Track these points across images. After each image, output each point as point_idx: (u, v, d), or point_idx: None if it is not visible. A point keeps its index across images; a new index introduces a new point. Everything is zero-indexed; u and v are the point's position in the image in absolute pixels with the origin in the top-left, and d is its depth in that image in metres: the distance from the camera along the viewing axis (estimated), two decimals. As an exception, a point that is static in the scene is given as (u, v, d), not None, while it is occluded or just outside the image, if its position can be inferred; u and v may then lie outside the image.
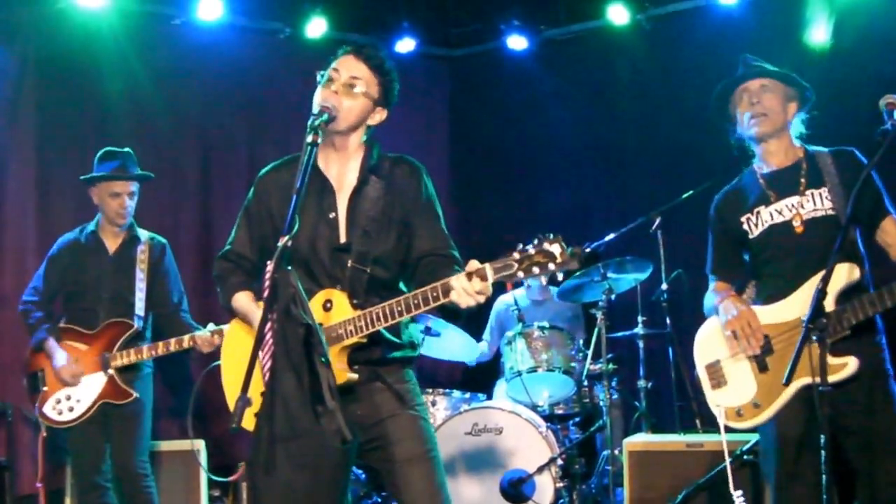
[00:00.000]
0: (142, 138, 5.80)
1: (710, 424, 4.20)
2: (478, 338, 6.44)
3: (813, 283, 3.27)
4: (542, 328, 5.66)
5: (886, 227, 3.42)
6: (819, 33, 5.85)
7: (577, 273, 5.51)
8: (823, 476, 2.95)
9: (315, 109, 2.94)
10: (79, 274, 4.87)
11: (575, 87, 7.00)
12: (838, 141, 3.55)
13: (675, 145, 6.43)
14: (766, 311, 3.44)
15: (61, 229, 5.12)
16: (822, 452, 2.94)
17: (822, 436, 2.94)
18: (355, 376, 2.92)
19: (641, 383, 5.61)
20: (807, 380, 3.17)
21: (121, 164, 4.88)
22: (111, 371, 4.73)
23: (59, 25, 6.02)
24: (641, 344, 5.66)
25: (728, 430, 3.51)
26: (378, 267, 2.99)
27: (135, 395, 4.72)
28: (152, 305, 4.93)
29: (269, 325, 2.79)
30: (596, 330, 5.53)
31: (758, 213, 3.51)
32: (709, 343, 3.59)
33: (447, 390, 5.80)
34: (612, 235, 5.55)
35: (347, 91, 2.99)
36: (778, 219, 3.46)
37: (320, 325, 2.86)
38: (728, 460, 3.72)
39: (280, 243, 2.72)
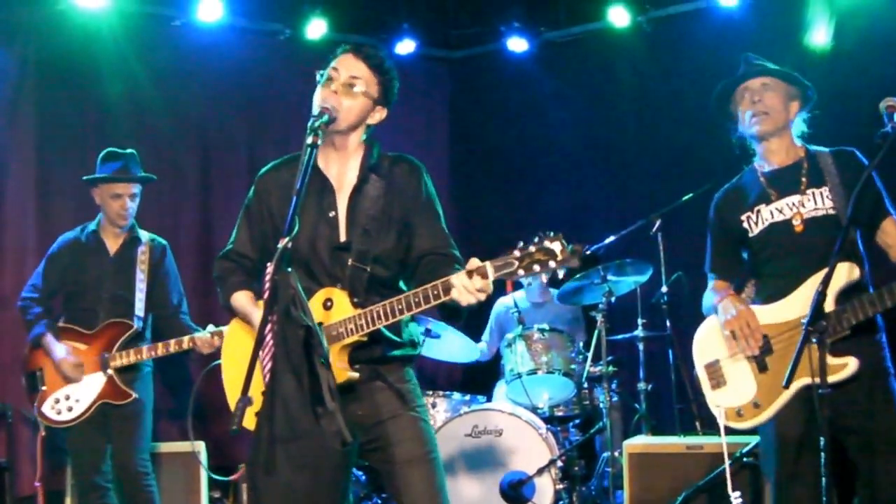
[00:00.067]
0: (142, 139, 5.80)
1: (710, 426, 4.21)
2: (477, 340, 6.44)
3: (813, 282, 3.27)
4: (542, 330, 5.66)
5: (887, 227, 3.42)
6: (819, 35, 5.85)
7: (577, 275, 5.51)
8: (823, 479, 2.95)
9: (315, 110, 2.94)
10: (79, 273, 4.87)
11: (575, 89, 7.00)
12: (838, 143, 3.55)
13: (675, 147, 6.43)
14: (765, 311, 3.44)
15: (61, 230, 5.12)
16: (822, 454, 2.94)
17: (822, 438, 2.94)
18: (356, 375, 2.92)
19: (641, 385, 5.61)
20: (807, 380, 3.17)
21: (123, 166, 4.88)
22: (110, 371, 4.72)
23: (60, 26, 6.02)
24: (641, 346, 5.65)
25: (728, 430, 3.51)
26: (378, 266, 2.99)
27: (134, 395, 4.71)
28: (152, 307, 4.92)
29: (269, 326, 2.79)
30: (596, 332, 5.53)
31: (758, 211, 3.50)
32: (708, 342, 3.59)
33: (447, 392, 5.81)
34: (612, 238, 5.55)
35: (347, 91, 2.99)
36: (778, 217, 3.46)
37: (320, 324, 2.86)
38: (728, 462, 3.72)
39: (280, 245, 2.72)
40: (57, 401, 4.73)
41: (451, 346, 6.16)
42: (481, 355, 6.46)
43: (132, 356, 4.73)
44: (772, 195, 3.49)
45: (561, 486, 5.17)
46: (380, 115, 3.08)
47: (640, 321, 5.69)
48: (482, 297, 2.71)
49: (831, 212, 3.39)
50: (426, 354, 6.01)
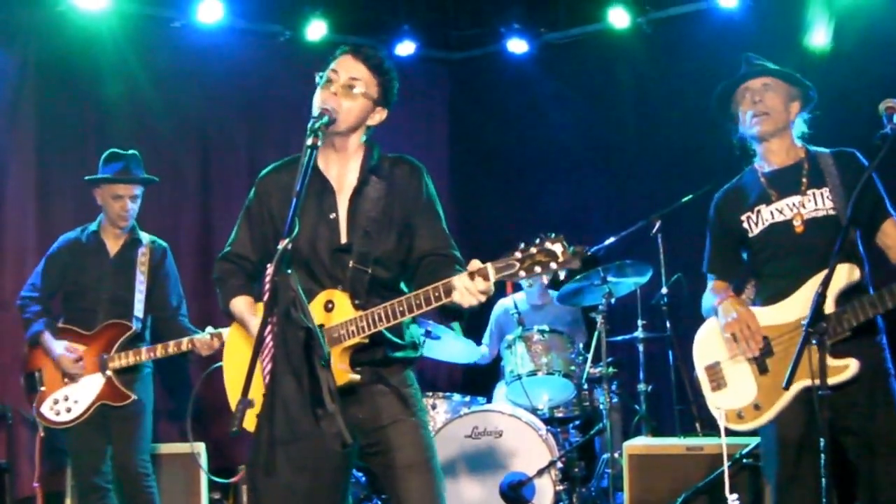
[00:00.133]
0: (142, 140, 5.79)
1: (710, 428, 4.21)
2: (477, 342, 6.44)
3: (813, 283, 3.27)
4: (541, 332, 5.66)
5: (887, 229, 3.41)
6: (819, 36, 5.85)
7: (577, 277, 5.51)
8: (823, 479, 2.95)
9: (315, 111, 2.94)
10: (78, 274, 4.86)
11: (575, 91, 7.00)
12: (838, 144, 3.55)
13: (675, 148, 6.43)
14: (765, 313, 3.43)
15: (61, 230, 5.12)
16: (822, 456, 2.94)
17: (822, 439, 2.94)
18: (357, 377, 2.92)
19: (641, 387, 5.61)
20: (807, 382, 3.16)
21: (124, 167, 4.88)
22: (109, 372, 4.72)
23: (60, 28, 6.02)
24: (641, 347, 5.66)
25: (729, 432, 3.51)
26: (379, 267, 2.99)
27: (133, 397, 4.71)
28: (151, 308, 4.92)
29: (269, 327, 2.79)
30: (596, 333, 5.52)
31: (758, 211, 3.50)
32: (708, 344, 3.58)
33: (447, 394, 5.81)
34: (611, 239, 5.55)
35: (347, 92, 2.98)
36: (779, 218, 3.46)
37: (321, 326, 2.86)
38: (727, 464, 3.72)
39: (280, 246, 2.72)
40: (56, 401, 4.72)
41: (451, 348, 6.16)
42: (481, 358, 6.46)
43: (131, 357, 4.72)
44: (772, 195, 3.49)
45: (561, 488, 5.17)
46: (380, 116, 3.07)
47: (640, 322, 5.70)
48: (483, 298, 2.71)
49: (832, 212, 3.39)
50: (426, 355, 6.02)
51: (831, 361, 3.13)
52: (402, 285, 3.08)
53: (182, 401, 5.93)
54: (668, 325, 5.64)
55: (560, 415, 5.66)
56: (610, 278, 5.52)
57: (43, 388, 4.74)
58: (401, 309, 2.80)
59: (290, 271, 2.78)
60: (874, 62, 5.65)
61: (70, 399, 4.71)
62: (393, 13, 7.00)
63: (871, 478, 3.27)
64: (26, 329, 4.83)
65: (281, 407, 2.82)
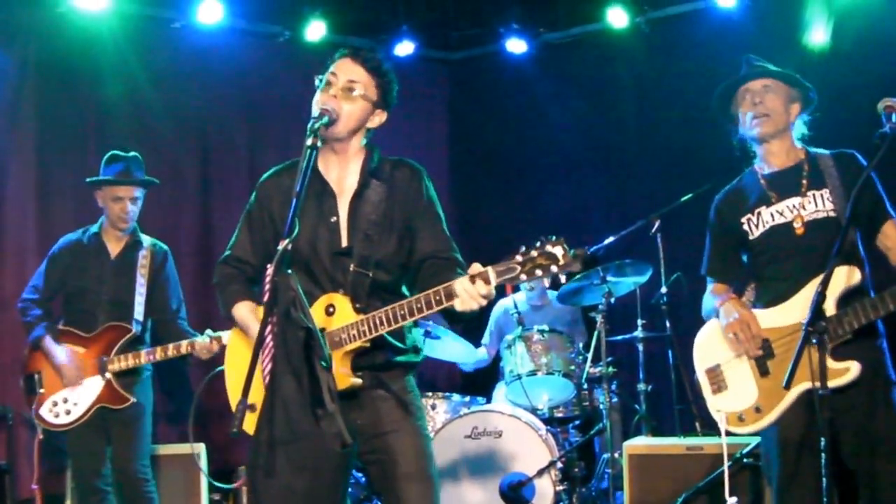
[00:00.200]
0: (142, 141, 5.80)
1: (710, 427, 4.20)
2: (477, 343, 6.44)
3: (814, 286, 3.25)
4: (541, 332, 5.66)
5: (887, 230, 3.40)
6: (818, 35, 5.86)
7: (577, 276, 5.50)
8: (824, 479, 2.95)
9: (314, 113, 2.94)
10: (79, 275, 4.86)
11: (574, 90, 7.01)
12: (836, 143, 3.54)
13: (675, 148, 6.44)
14: (766, 315, 3.43)
15: (61, 231, 5.12)
16: (823, 455, 2.94)
17: (822, 439, 2.94)
18: (359, 381, 2.92)
19: (641, 386, 5.61)
20: (808, 384, 3.17)
21: (124, 169, 4.88)
22: (108, 375, 4.72)
23: (60, 28, 6.03)
24: (641, 347, 5.66)
25: (729, 433, 3.50)
26: (380, 271, 2.99)
27: (132, 399, 4.70)
28: (151, 311, 4.92)
29: (269, 328, 2.79)
30: (595, 333, 5.53)
31: (759, 213, 3.49)
32: (708, 346, 3.57)
33: (447, 394, 5.81)
34: (611, 238, 5.55)
35: (346, 95, 2.98)
36: (779, 220, 3.45)
37: (323, 329, 2.86)
38: (726, 465, 3.72)
39: (280, 247, 2.72)
40: (55, 403, 4.72)
41: (451, 348, 6.17)
42: (480, 361, 6.47)
43: (130, 360, 4.72)
44: (772, 197, 3.48)
45: (561, 488, 5.17)
46: (380, 118, 3.07)
47: (639, 322, 5.70)
48: (484, 302, 2.71)
49: (832, 214, 3.38)
50: (427, 355, 6.01)
51: (832, 364, 3.14)
52: (404, 289, 3.08)
53: (180, 404, 5.94)
54: (667, 324, 5.64)
55: (560, 415, 5.66)
56: (609, 278, 5.52)
57: (42, 391, 4.74)
58: (402, 312, 2.80)
59: (290, 271, 2.78)
60: (873, 61, 5.65)
61: (69, 401, 4.71)
62: (392, 13, 7.00)
63: (872, 478, 3.27)
64: (28, 332, 4.83)
65: (281, 407, 2.82)
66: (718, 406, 3.50)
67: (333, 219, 3.02)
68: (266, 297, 2.79)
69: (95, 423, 4.69)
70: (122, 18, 6.18)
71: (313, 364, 2.79)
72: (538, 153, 7.22)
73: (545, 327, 5.70)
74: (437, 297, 2.75)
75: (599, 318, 5.49)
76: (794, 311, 3.35)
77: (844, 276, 3.26)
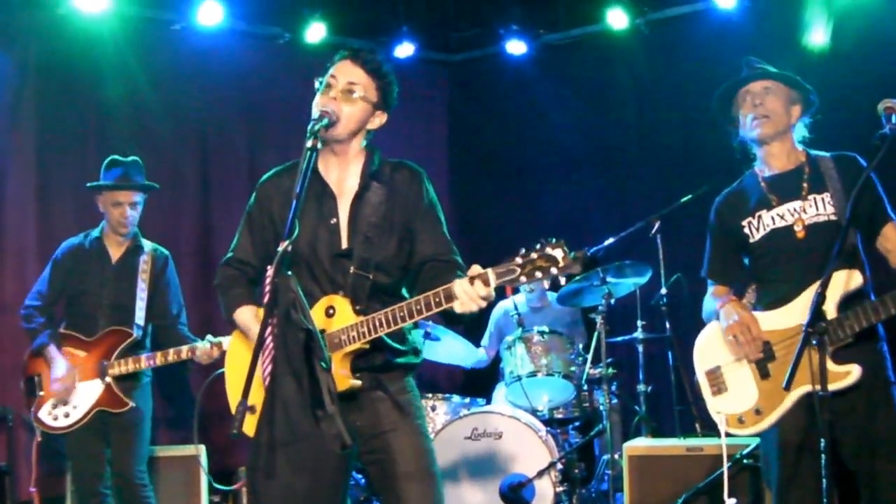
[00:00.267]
0: (142, 143, 5.80)
1: (710, 428, 4.20)
2: (477, 343, 6.45)
3: (815, 288, 3.25)
4: (541, 333, 5.66)
5: (887, 233, 3.39)
6: (818, 36, 5.86)
7: (577, 277, 5.50)
8: (824, 480, 2.95)
9: (315, 115, 2.94)
10: (81, 279, 4.86)
11: (574, 92, 7.01)
12: (836, 144, 3.53)
13: (674, 149, 6.44)
14: (767, 318, 3.42)
15: (62, 234, 5.13)
16: (822, 457, 2.94)
17: (822, 440, 2.94)
18: (358, 383, 2.92)
19: (641, 387, 5.61)
20: (808, 387, 3.15)
21: (123, 174, 4.88)
22: (108, 379, 4.71)
23: (60, 30, 6.04)
24: (641, 348, 5.66)
25: (729, 434, 3.50)
26: (380, 273, 2.99)
27: (131, 404, 4.69)
28: (151, 316, 4.91)
29: (269, 329, 2.79)
30: (595, 334, 5.52)
31: (759, 216, 3.48)
32: (709, 348, 3.57)
33: (447, 395, 5.80)
34: (611, 240, 5.54)
35: (346, 97, 2.98)
36: (780, 223, 3.44)
37: (323, 331, 2.86)
38: (726, 465, 3.72)
39: (280, 248, 2.72)
40: (54, 406, 4.72)
41: (451, 349, 6.17)
42: (478, 362, 6.47)
43: (131, 364, 4.72)
44: (772, 200, 3.47)
45: (561, 489, 5.17)
46: (380, 120, 3.07)
47: (639, 323, 5.69)
48: (484, 304, 2.71)
49: (833, 218, 3.36)
50: (425, 356, 6.01)
51: (833, 367, 3.13)
52: (404, 291, 3.08)
53: (180, 408, 5.94)
54: (667, 325, 5.63)
55: (560, 416, 5.66)
56: (609, 279, 5.52)
57: (42, 393, 4.74)
58: (401, 314, 2.81)
59: (290, 273, 2.78)
60: (873, 62, 5.65)
61: (69, 404, 4.71)
62: (392, 15, 7.00)
63: (873, 480, 3.26)
64: (31, 339, 4.81)
65: (281, 408, 2.82)
66: (718, 408, 3.49)
67: (333, 220, 3.02)
68: (266, 299, 2.79)
69: (95, 426, 4.69)
70: (123, 20, 6.18)
71: (313, 365, 2.79)
72: (538, 154, 7.23)
73: (545, 328, 5.70)
74: (437, 299, 2.75)
75: (599, 320, 5.49)
76: (795, 313, 3.34)
77: (844, 280, 3.26)
